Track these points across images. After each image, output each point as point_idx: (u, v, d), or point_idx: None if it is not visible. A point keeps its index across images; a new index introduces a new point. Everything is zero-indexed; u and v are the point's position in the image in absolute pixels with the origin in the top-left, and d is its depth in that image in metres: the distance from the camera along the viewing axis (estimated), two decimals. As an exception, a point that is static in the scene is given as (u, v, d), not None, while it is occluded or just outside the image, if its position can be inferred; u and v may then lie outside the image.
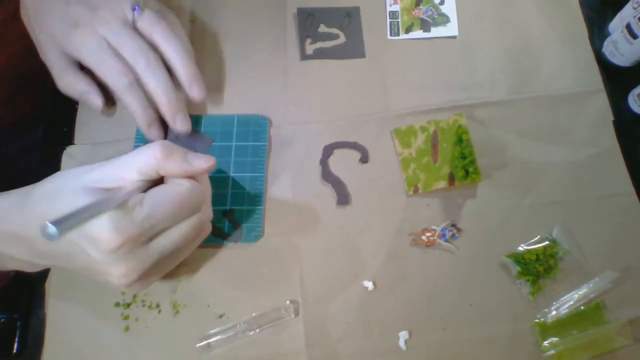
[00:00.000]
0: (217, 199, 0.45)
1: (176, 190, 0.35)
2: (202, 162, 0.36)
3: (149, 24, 0.43)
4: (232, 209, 0.45)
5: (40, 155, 0.48)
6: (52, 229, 0.27)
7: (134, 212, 0.32)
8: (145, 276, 0.35)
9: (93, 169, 0.34)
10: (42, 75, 0.46)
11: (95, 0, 0.43)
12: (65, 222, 0.28)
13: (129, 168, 0.34)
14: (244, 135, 0.48)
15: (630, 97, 0.50)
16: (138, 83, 0.43)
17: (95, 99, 0.45)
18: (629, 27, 0.47)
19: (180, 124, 0.45)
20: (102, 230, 0.31)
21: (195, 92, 0.45)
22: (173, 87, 0.44)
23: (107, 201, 0.32)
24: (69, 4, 0.42)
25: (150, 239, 0.34)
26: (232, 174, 0.46)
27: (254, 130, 0.48)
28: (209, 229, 0.40)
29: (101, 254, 0.32)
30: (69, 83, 0.45)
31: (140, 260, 0.33)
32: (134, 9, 0.43)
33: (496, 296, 0.43)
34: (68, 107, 0.49)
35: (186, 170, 0.35)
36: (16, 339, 0.42)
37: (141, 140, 0.47)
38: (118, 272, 0.33)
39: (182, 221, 0.35)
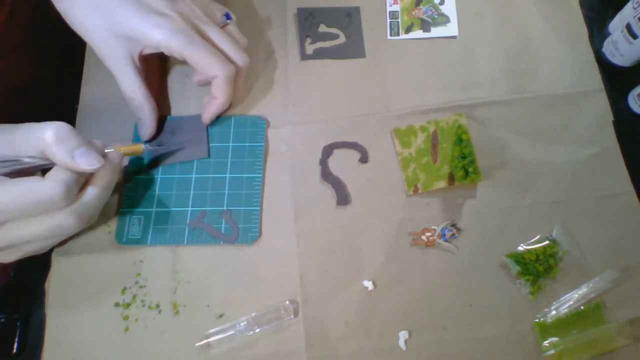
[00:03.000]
0: (215, 199, 0.45)
1: (29, 186, 0.33)
2: (84, 162, 0.34)
3: (233, 34, 0.45)
4: (229, 209, 0.45)
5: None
6: None
7: None
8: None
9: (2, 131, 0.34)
10: (40, 78, 0.45)
11: None
12: None
13: (23, 142, 0.34)
14: (241, 135, 0.48)
15: (630, 97, 0.50)
16: None
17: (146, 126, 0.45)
18: (629, 27, 0.47)
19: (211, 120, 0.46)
20: None
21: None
22: None
23: None
24: None
25: None
26: (229, 175, 0.46)
27: (251, 131, 0.48)
28: (70, 230, 0.37)
29: None
30: (131, 86, 0.43)
31: None
32: (227, 16, 0.45)
33: (496, 296, 0.43)
34: (68, 108, 0.49)
35: (67, 163, 0.34)
36: (16, 339, 0.42)
37: (138, 140, 0.47)
38: None
39: (33, 217, 0.35)
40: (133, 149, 0.42)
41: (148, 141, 0.46)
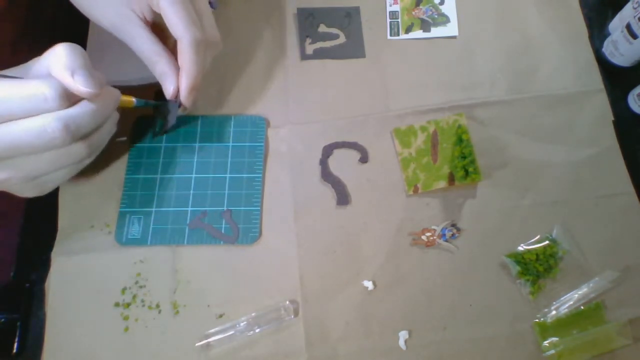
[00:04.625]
0: (215, 199, 0.45)
1: (21, 82, 0.33)
2: (81, 82, 0.34)
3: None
4: (229, 209, 0.45)
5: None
6: None
7: None
8: None
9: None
10: None
11: None
12: None
13: (36, 65, 0.35)
14: (241, 135, 0.48)
15: (630, 97, 0.50)
16: None
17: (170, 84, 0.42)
18: (629, 27, 0.47)
19: (188, 99, 0.43)
20: None
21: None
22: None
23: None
24: None
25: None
26: (229, 175, 0.46)
27: (251, 131, 0.48)
28: (62, 141, 0.35)
29: None
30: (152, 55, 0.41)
31: None
32: (210, 2, 0.44)
33: (496, 296, 0.43)
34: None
35: (64, 78, 0.34)
36: (16, 339, 0.42)
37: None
38: None
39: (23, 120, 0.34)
40: (125, 99, 0.41)
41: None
